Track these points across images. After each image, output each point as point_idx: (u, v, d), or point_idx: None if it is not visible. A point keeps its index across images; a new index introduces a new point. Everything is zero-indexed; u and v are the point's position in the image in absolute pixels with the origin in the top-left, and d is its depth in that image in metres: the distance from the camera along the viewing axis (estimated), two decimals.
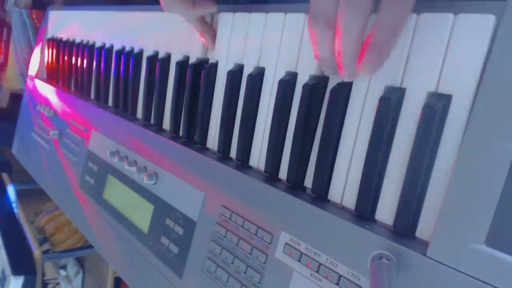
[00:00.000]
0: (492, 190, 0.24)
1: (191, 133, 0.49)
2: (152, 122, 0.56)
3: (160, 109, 0.54)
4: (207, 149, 0.47)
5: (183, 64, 0.49)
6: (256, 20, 0.41)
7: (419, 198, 0.28)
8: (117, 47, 0.65)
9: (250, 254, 0.37)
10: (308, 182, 0.36)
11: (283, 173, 0.38)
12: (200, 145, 0.47)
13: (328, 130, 0.34)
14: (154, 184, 0.50)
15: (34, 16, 1.15)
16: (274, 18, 0.39)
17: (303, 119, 0.35)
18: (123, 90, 0.62)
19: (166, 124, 0.53)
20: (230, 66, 0.44)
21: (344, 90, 0.33)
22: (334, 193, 0.34)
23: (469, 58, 0.26)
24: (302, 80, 0.36)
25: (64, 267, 1.29)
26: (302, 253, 0.33)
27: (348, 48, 0.27)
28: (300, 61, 0.37)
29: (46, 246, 1.17)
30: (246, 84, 0.41)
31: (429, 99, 0.28)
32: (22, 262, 0.95)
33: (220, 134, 0.44)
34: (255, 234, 0.37)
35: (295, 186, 0.37)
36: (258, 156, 0.41)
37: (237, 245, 0.38)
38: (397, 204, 0.29)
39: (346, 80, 0.32)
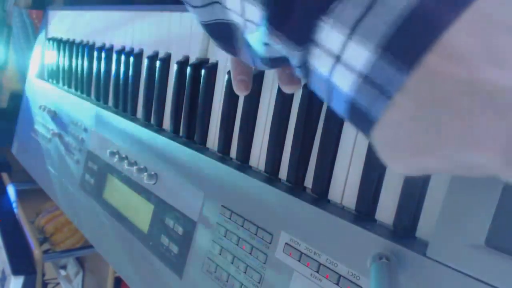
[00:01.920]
0: (492, 190, 0.24)
1: (191, 133, 0.49)
2: (152, 122, 0.56)
3: (160, 109, 0.54)
4: (207, 149, 0.47)
5: (183, 64, 0.49)
6: None
7: (419, 198, 0.28)
8: (117, 47, 0.65)
9: (250, 254, 0.37)
10: (308, 182, 0.36)
11: (283, 173, 0.38)
12: (200, 145, 0.47)
13: (328, 130, 0.34)
14: (154, 184, 0.50)
15: (34, 16, 1.15)
16: None
17: (303, 118, 0.35)
18: (123, 90, 0.62)
19: (166, 124, 0.53)
20: (230, 66, 0.44)
21: None
22: (334, 193, 0.34)
23: None
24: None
25: (64, 267, 1.29)
26: (302, 253, 0.33)
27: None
28: None
29: (46, 246, 1.17)
30: None
31: None
32: (22, 262, 0.95)
33: (220, 134, 0.44)
34: (255, 234, 0.37)
35: (295, 186, 0.37)
36: (258, 156, 0.41)
37: (237, 245, 0.38)
38: (397, 204, 0.29)
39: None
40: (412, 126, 0.16)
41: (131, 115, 0.60)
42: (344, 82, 0.17)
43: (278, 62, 0.22)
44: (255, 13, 0.19)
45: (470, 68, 0.14)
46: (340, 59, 0.17)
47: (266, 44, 0.20)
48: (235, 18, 0.21)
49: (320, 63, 0.18)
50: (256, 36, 0.20)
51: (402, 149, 0.17)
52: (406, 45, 0.15)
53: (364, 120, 0.17)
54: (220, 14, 0.23)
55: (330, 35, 0.17)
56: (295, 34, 0.18)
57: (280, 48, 0.19)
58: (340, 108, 0.18)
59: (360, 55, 0.16)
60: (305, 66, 0.19)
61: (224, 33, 0.24)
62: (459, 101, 0.14)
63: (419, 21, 0.15)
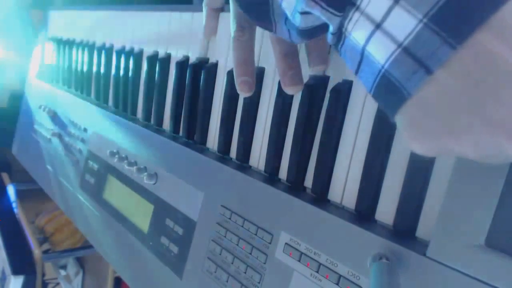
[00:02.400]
0: (492, 190, 0.23)
1: (191, 133, 0.49)
2: (152, 122, 0.56)
3: (160, 109, 0.54)
4: (207, 149, 0.47)
5: (183, 64, 0.49)
6: None
7: (419, 198, 0.28)
8: (117, 47, 0.65)
9: (250, 254, 0.37)
10: (308, 182, 0.36)
11: (283, 173, 0.38)
12: (200, 145, 0.47)
13: (328, 130, 0.34)
14: (154, 184, 0.50)
15: (34, 16, 1.15)
16: None
17: (303, 119, 0.35)
18: (123, 90, 0.62)
19: (166, 124, 0.53)
20: (230, 66, 0.44)
21: (344, 90, 0.33)
22: (334, 193, 0.34)
23: None
24: None
25: (64, 267, 1.29)
26: (302, 253, 0.33)
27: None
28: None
29: (46, 246, 1.17)
30: None
31: None
32: (22, 262, 0.95)
33: (220, 134, 0.44)
34: (255, 234, 0.37)
35: (295, 186, 0.37)
36: (258, 156, 0.41)
37: (237, 245, 0.38)
38: (397, 204, 0.29)
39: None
40: (448, 106, 0.15)
41: (131, 115, 0.60)
42: (380, 52, 0.16)
43: (314, 32, 0.21)
44: None
45: None
46: (380, 26, 0.15)
47: (302, 13, 0.19)
48: None
49: (357, 29, 0.17)
50: (293, 5, 0.20)
51: (431, 129, 0.16)
52: (458, 17, 0.14)
53: (394, 95, 0.16)
54: None
55: None
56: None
57: (318, 14, 0.18)
58: (368, 80, 0.17)
59: (404, 23, 0.15)
60: (339, 32, 0.18)
61: (261, 5, 0.23)
62: (509, 88, 0.14)
63: None
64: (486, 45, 0.14)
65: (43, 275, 1.04)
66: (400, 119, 0.17)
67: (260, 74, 0.40)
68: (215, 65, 0.46)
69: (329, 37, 0.19)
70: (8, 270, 0.92)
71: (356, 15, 0.16)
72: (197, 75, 0.47)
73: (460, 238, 0.25)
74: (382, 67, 0.16)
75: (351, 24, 0.17)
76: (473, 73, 0.14)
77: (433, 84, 0.15)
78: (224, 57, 0.45)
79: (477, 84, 0.14)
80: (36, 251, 0.97)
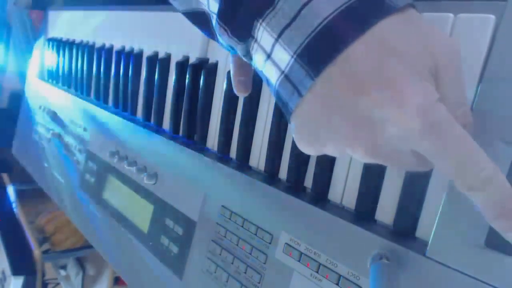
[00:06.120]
0: None
1: (191, 133, 0.49)
2: (152, 122, 0.56)
3: (160, 109, 0.54)
4: (207, 149, 0.47)
5: (183, 64, 0.49)
6: None
7: (419, 198, 0.28)
8: (117, 47, 0.65)
9: (250, 254, 0.37)
10: (308, 182, 0.36)
11: (283, 173, 0.38)
12: (200, 145, 0.47)
13: None
14: (154, 184, 0.50)
15: (34, 16, 1.15)
16: None
17: None
18: (123, 90, 0.62)
19: (166, 124, 0.53)
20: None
21: None
22: (334, 193, 0.34)
23: (469, 59, 0.26)
24: None
25: (64, 267, 1.29)
26: (302, 253, 0.33)
27: None
28: None
29: (46, 246, 1.17)
30: None
31: None
32: (22, 262, 0.95)
33: (220, 134, 0.44)
34: (255, 234, 0.37)
35: (295, 186, 0.37)
36: (258, 156, 0.41)
37: (237, 245, 0.38)
38: (397, 204, 0.29)
39: None
40: (315, 121, 0.20)
41: (131, 115, 0.60)
42: (272, 76, 0.21)
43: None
44: (216, 7, 0.22)
45: (360, 87, 0.18)
46: (270, 57, 0.20)
47: (220, 35, 0.23)
48: (205, 8, 0.24)
49: (257, 57, 0.21)
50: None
51: (308, 137, 0.21)
52: (315, 55, 0.18)
53: (285, 109, 0.21)
54: (195, 4, 0.26)
55: (263, 35, 0.20)
56: (237, 30, 0.21)
57: (227, 40, 0.22)
58: (273, 95, 0.22)
59: (283, 56, 0.19)
60: (249, 55, 0.23)
61: (201, 19, 0.26)
62: (346, 111, 0.18)
63: (327, 36, 0.18)
64: (333, 78, 0.18)
65: (43, 275, 1.04)
66: (291, 126, 0.22)
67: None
68: (215, 65, 0.46)
69: (244, 58, 0.23)
70: (8, 270, 0.92)
71: (256, 45, 0.21)
72: (197, 75, 0.47)
73: (460, 238, 0.25)
74: (275, 87, 0.21)
75: (253, 51, 0.21)
76: (327, 98, 0.19)
77: (305, 103, 0.19)
78: (224, 57, 0.45)
79: (330, 107, 0.19)
80: (36, 251, 0.97)
